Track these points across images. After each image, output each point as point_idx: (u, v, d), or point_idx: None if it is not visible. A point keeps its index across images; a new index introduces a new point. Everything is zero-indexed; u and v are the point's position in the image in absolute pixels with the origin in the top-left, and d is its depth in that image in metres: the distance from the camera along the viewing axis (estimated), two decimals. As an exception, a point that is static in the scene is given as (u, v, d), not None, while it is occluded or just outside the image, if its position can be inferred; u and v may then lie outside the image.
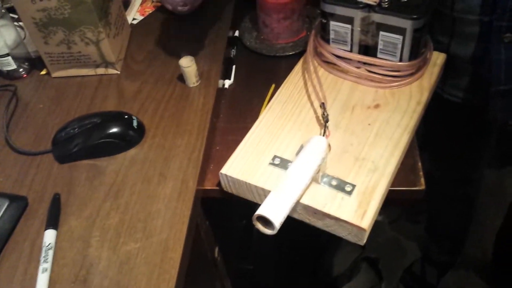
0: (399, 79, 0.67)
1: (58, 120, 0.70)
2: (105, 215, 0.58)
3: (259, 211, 0.49)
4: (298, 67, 0.73)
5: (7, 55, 0.74)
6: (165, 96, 0.72)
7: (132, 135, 0.65)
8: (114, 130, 0.64)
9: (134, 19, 0.86)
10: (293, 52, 0.81)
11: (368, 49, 0.67)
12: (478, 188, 1.07)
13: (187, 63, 0.70)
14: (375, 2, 0.62)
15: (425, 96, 0.66)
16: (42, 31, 0.69)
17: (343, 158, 0.60)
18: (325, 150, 0.55)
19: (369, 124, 0.63)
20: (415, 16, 0.60)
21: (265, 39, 0.83)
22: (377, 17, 0.62)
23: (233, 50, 0.84)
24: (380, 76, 0.67)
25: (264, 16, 0.80)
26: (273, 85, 0.75)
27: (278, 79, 0.74)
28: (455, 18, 0.70)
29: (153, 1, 0.88)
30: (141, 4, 0.89)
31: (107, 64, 0.75)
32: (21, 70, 0.77)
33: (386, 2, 0.61)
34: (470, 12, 0.67)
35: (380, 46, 0.65)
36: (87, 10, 0.67)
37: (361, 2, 0.63)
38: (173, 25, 0.84)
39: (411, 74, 0.67)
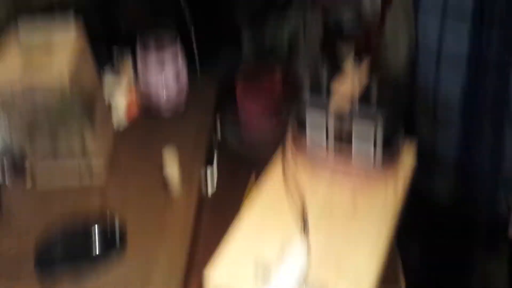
0: (375, 168, 0.68)
1: (42, 226, 0.70)
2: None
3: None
4: (278, 161, 0.75)
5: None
6: (148, 202, 0.73)
7: (114, 251, 0.65)
8: (97, 248, 0.64)
9: (119, 122, 0.89)
10: (274, 147, 0.83)
11: (344, 139, 0.69)
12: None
13: (171, 170, 0.72)
14: (347, 96, 0.65)
15: (401, 186, 0.67)
16: (28, 134, 0.71)
17: (324, 266, 0.59)
18: (305, 258, 0.56)
19: (348, 225, 0.64)
20: (385, 109, 0.63)
21: (246, 135, 0.86)
22: (350, 110, 0.65)
23: (214, 148, 0.86)
24: (357, 165, 0.69)
25: (244, 115, 0.83)
26: (254, 179, 0.77)
27: (259, 173, 0.75)
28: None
29: (137, 104, 0.92)
30: (126, 108, 0.92)
31: (91, 170, 0.76)
32: (5, 177, 0.78)
33: (358, 94, 0.65)
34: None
35: (355, 136, 0.67)
36: (72, 112, 0.69)
37: (333, 97, 0.66)
38: (156, 128, 0.87)
39: (388, 163, 0.69)
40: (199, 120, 0.87)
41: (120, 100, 0.92)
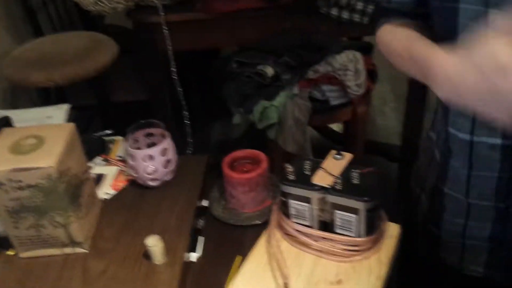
0: (358, 253, 0.69)
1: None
2: None
3: None
4: (262, 240, 0.76)
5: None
6: (131, 276, 0.72)
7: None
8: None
9: (107, 193, 0.90)
10: (259, 222, 0.84)
11: (327, 225, 0.70)
12: None
13: (153, 243, 0.72)
14: (329, 185, 0.67)
15: (383, 271, 0.68)
16: (13, 217, 0.72)
17: None
18: None
19: (333, 304, 0.64)
20: (366, 199, 0.65)
21: (232, 208, 0.87)
22: (331, 198, 0.67)
23: (201, 220, 0.86)
24: (340, 251, 0.70)
25: (230, 188, 0.85)
26: (239, 258, 0.77)
27: (244, 249, 0.76)
28: (470, 203, 0.69)
29: (126, 175, 0.93)
30: (114, 179, 0.93)
31: (74, 244, 0.76)
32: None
33: (339, 184, 0.67)
34: (486, 199, 0.68)
35: (337, 223, 0.69)
36: (58, 198, 0.70)
37: (316, 185, 0.68)
38: (144, 199, 0.87)
39: (369, 248, 0.70)
40: (187, 190, 0.88)
41: (109, 175, 0.94)
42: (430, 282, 0.84)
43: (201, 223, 0.86)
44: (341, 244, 0.70)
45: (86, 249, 0.77)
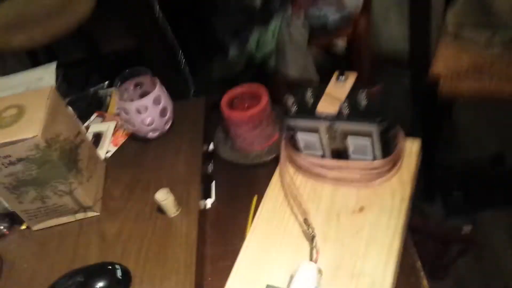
0: (377, 176, 0.65)
1: (43, 280, 0.67)
2: None
3: None
4: (276, 178, 0.72)
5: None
6: (147, 233, 0.70)
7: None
8: (100, 286, 0.61)
9: (108, 151, 0.86)
10: (270, 158, 0.80)
11: (341, 152, 0.66)
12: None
13: (163, 197, 0.69)
14: (335, 111, 0.62)
15: (407, 191, 0.64)
16: (14, 193, 0.69)
17: (338, 276, 0.57)
18: (316, 279, 0.53)
19: (357, 232, 0.61)
20: (378, 120, 0.60)
21: (239, 148, 0.83)
22: (340, 125, 0.62)
23: (210, 165, 0.83)
24: (358, 176, 0.66)
25: (234, 128, 0.80)
26: (256, 197, 0.74)
27: (259, 188, 0.72)
28: None
29: (124, 130, 0.89)
30: (113, 134, 0.89)
31: (85, 209, 0.74)
32: (2, 227, 0.76)
33: (346, 108, 0.61)
34: None
35: (351, 149, 0.65)
36: (54, 167, 0.67)
37: (321, 114, 0.63)
38: (147, 151, 0.84)
39: (389, 170, 0.66)
40: (190, 136, 0.84)
41: (107, 131, 0.90)
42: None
43: (210, 168, 0.83)
44: (359, 169, 0.66)
45: (98, 212, 0.75)
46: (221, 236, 0.71)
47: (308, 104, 0.65)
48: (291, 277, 0.57)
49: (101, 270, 0.64)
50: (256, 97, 0.80)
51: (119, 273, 0.63)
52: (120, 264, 0.64)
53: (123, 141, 0.87)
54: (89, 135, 0.90)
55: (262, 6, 1.32)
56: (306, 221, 0.62)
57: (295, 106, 0.65)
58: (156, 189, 0.70)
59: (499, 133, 1.57)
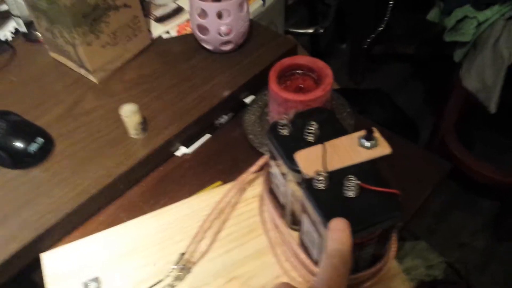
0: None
1: (9, 102, 0.67)
2: None
3: None
4: (236, 184, 0.56)
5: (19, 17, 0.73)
6: (100, 132, 0.63)
7: (25, 159, 0.58)
8: (12, 144, 0.58)
9: (167, 32, 0.77)
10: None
11: (296, 223, 0.47)
12: None
13: (126, 113, 0.60)
14: (307, 175, 0.41)
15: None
16: (33, 12, 0.66)
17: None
18: None
19: None
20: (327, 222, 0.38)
21: (267, 122, 0.66)
22: (302, 195, 0.42)
23: (225, 117, 0.68)
24: (292, 267, 0.47)
25: (272, 101, 0.62)
26: (219, 183, 0.60)
27: (237, 174, 0.57)
28: None
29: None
30: (188, 20, 0.78)
31: (85, 69, 0.68)
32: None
33: (322, 183, 0.40)
34: None
35: (303, 229, 0.45)
36: (59, 12, 0.60)
37: (295, 163, 0.43)
38: (193, 60, 0.72)
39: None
40: (243, 72, 0.70)
41: (183, 14, 0.79)
42: None
43: (223, 120, 0.68)
44: (300, 263, 0.46)
45: (96, 81, 0.69)
46: (157, 187, 0.61)
47: (301, 138, 0.45)
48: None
49: (26, 132, 0.60)
50: (316, 78, 0.60)
51: (33, 147, 0.58)
52: (44, 141, 0.60)
53: (188, 33, 0.76)
54: (171, 5, 0.80)
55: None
56: (182, 255, 0.47)
57: (285, 130, 0.45)
58: (160, 98, 0.62)
59: None
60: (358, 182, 0.39)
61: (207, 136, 0.66)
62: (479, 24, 0.98)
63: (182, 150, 0.64)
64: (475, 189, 1.40)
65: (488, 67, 1.00)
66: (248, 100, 0.70)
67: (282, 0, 1.10)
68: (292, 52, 0.73)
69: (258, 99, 0.69)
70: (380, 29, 1.55)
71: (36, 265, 0.55)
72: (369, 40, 1.59)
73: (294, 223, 0.48)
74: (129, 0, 0.67)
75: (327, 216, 0.39)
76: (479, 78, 1.03)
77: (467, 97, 1.11)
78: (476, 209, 1.39)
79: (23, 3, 0.69)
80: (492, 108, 1.03)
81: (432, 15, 1.14)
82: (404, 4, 1.51)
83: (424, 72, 1.69)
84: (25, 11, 0.71)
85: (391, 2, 1.47)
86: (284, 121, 0.45)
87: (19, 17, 0.73)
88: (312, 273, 0.44)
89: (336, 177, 0.40)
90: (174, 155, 0.64)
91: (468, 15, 1.00)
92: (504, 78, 0.99)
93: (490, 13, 0.96)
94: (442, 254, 1.21)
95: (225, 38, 0.69)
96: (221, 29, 0.69)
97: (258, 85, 0.70)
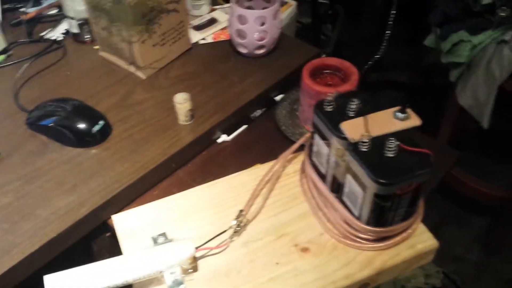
0: (353, 241, 0.53)
1: (67, 91, 0.74)
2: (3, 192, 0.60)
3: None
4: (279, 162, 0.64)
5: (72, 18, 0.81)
6: (152, 119, 0.70)
7: (88, 139, 0.66)
8: (77, 125, 0.65)
9: (203, 39, 0.86)
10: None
11: (339, 185, 0.55)
12: None
13: (180, 100, 0.68)
14: (353, 139, 0.50)
15: (366, 275, 0.51)
16: (92, 13, 0.74)
17: (215, 282, 0.51)
18: (183, 260, 0.48)
19: (277, 263, 0.52)
20: (380, 181, 0.47)
21: (296, 116, 0.75)
22: (348, 156, 0.50)
23: (258, 111, 0.77)
24: (332, 224, 0.55)
25: (304, 96, 0.71)
26: (259, 164, 0.68)
27: (272, 158, 0.65)
28: None
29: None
30: (222, 29, 0.88)
31: (136, 66, 0.77)
32: (86, 36, 0.84)
33: (366, 145, 0.49)
34: None
35: (345, 189, 0.53)
36: (123, 10, 0.69)
37: (341, 132, 0.51)
38: (229, 62, 0.81)
39: (373, 241, 0.53)
40: (272, 74, 0.79)
41: (221, 24, 0.88)
42: None
43: (256, 113, 0.77)
44: (339, 217, 0.54)
45: (143, 76, 0.77)
46: (203, 168, 0.68)
47: (344, 113, 0.53)
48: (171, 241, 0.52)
49: (88, 114, 0.67)
50: (342, 75, 0.69)
51: (96, 128, 0.66)
52: (105, 122, 0.67)
53: (223, 40, 0.86)
54: (206, 16, 0.90)
55: (483, 10, 1.08)
56: (241, 212, 0.55)
57: (330, 107, 0.54)
58: (197, 94, 0.69)
59: None
60: (398, 142, 0.48)
61: (244, 127, 0.74)
62: (474, 47, 1.10)
63: (223, 138, 0.72)
64: (466, 205, 1.49)
65: (481, 86, 1.12)
66: (278, 98, 0.79)
67: (294, 24, 1.21)
68: (315, 58, 0.83)
69: (287, 97, 0.78)
70: (377, 56, 1.67)
71: (95, 234, 0.61)
72: (366, 66, 1.71)
73: (332, 190, 0.56)
74: (177, 6, 0.76)
75: (373, 171, 0.47)
76: (473, 96, 1.14)
77: (459, 120, 1.21)
78: (468, 224, 1.48)
79: (78, 6, 0.78)
80: (485, 123, 1.13)
81: (429, 41, 1.26)
82: (396, 36, 1.65)
83: (415, 99, 1.81)
84: (79, 13, 0.80)
85: (388, 32, 1.60)
86: (330, 98, 0.54)
87: (73, 19, 0.81)
88: (354, 228, 0.52)
89: (377, 142, 0.49)
90: (215, 142, 0.72)
91: (463, 39, 1.12)
92: (495, 96, 1.10)
93: (483, 37, 1.08)
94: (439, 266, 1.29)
95: (261, 43, 0.79)
96: (257, 34, 0.78)
97: (286, 85, 0.79)
